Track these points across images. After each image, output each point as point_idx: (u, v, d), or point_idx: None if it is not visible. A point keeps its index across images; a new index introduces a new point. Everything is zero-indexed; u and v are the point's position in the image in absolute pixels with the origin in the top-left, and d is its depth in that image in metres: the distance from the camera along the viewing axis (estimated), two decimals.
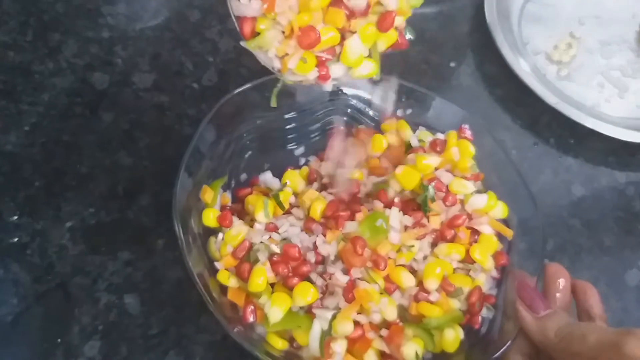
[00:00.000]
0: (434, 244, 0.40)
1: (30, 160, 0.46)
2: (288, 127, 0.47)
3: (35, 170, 0.46)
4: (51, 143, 0.47)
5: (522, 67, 0.54)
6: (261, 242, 0.39)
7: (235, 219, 0.40)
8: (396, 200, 0.41)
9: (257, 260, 0.38)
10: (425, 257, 0.39)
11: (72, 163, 0.46)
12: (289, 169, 0.45)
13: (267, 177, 0.45)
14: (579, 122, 0.51)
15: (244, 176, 0.45)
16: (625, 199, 0.51)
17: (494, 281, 0.40)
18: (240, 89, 0.44)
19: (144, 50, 0.53)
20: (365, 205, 0.41)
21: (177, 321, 0.41)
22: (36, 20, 0.54)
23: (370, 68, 0.38)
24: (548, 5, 0.61)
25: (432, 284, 0.38)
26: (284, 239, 0.39)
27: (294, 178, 0.44)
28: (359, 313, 0.37)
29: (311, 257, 0.38)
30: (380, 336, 0.37)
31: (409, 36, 0.38)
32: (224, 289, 0.38)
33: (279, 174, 0.45)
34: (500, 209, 0.42)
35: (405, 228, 0.40)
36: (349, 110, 0.48)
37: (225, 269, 0.38)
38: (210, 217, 0.40)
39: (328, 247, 0.38)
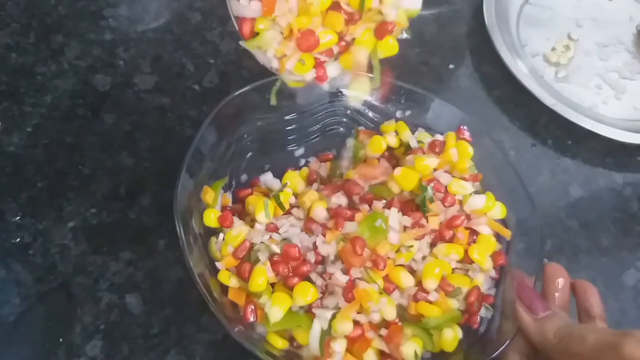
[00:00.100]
0: (432, 244, 0.40)
1: (33, 161, 0.47)
2: (288, 128, 0.47)
3: (38, 171, 0.46)
4: (53, 144, 0.48)
5: (520, 69, 0.54)
6: (262, 242, 0.39)
7: (235, 220, 0.41)
8: (395, 200, 0.41)
9: (257, 260, 0.38)
10: (424, 257, 0.40)
11: (74, 164, 0.47)
12: (289, 170, 0.45)
13: (267, 178, 0.45)
14: (577, 123, 0.51)
15: (244, 177, 0.46)
16: (622, 199, 0.51)
17: (492, 281, 0.41)
18: (241, 90, 0.44)
19: (146, 52, 0.54)
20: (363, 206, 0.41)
21: (178, 321, 0.41)
22: (39, 23, 0.54)
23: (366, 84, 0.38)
24: (546, 8, 0.62)
25: (431, 283, 0.38)
26: (284, 239, 0.40)
27: (294, 179, 0.44)
28: (358, 313, 0.37)
29: (311, 257, 0.38)
30: (380, 336, 0.37)
31: (405, 36, 0.39)
32: (224, 289, 0.38)
33: (279, 175, 0.45)
34: (498, 210, 0.42)
35: (405, 228, 0.40)
36: (348, 111, 0.48)
37: (226, 269, 0.39)
38: (211, 218, 0.40)
39: (328, 247, 0.39)
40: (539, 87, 0.52)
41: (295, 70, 0.36)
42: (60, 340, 0.40)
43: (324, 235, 0.39)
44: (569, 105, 0.52)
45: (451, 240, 0.40)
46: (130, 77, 0.52)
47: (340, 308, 0.37)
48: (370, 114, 0.48)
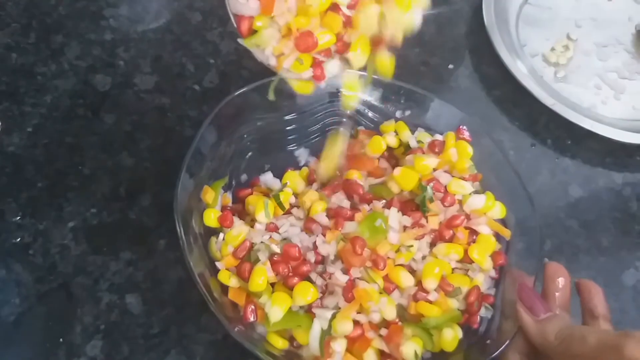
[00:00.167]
0: (432, 244, 0.40)
1: (33, 161, 0.47)
2: (288, 128, 0.47)
3: (38, 171, 0.46)
4: (54, 144, 0.48)
5: (520, 69, 0.54)
6: (262, 242, 0.39)
7: (236, 219, 0.41)
8: (395, 200, 0.41)
9: (257, 260, 0.38)
10: (424, 257, 0.40)
11: (74, 164, 0.47)
12: (289, 170, 0.45)
13: (267, 178, 0.45)
14: (576, 123, 0.51)
15: (244, 177, 0.46)
16: (622, 199, 0.51)
17: (492, 281, 0.41)
18: (241, 90, 0.44)
19: (146, 52, 0.54)
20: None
21: (178, 321, 0.41)
22: (39, 23, 0.54)
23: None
24: (545, 8, 0.62)
25: (430, 283, 0.38)
26: (284, 239, 0.40)
27: (294, 179, 0.44)
28: (358, 312, 0.37)
29: (311, 257, 0.38)
30: (380, 335, 0.37)
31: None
32: (224, 289, 0.38)
33: (279, 175, 0.45)
34: (498, 210, 0.42)
35: (404, 228, 0.40)
36: (348, 111, 0.48)
37: (226, 269, 0.39)
38: (211, 218, 0.40)
39: (328, 247, 0.39)
40: (539, 87, 0.52)
41: (292, 69, 0.36)
42: (61, 340, 0.40)
43: (324, 235, 0.39)
44: (569, 105, 0.52)
45: (451, 240, 0.40)
46: (131, 77, 0.52)
47: (340, 308, 0.37)
48: (370, 113, 0.48)
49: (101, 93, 0.51)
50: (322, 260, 0.39)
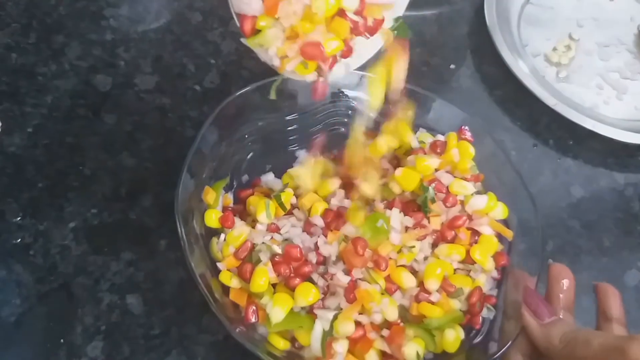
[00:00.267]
0: (434, 245, 0.40)
1: (34, 162, 0.47)
2: (289, 128, 0.47)
3: (39, 171, 0.46)
4: (54, 144, 0.48)
5: (522, 69, 0.54)
6: (263, 242, 0.39)
7: (237, 220, 0.41)
8: (397, 201, 0.41)
9: (259, 261, 0.38)
10: (425, 258, 0.40)
11: (75, 164, 0.47)
12: (289, 170, 0.45)
13: (268, 178, 0.45)
14: (578, 123, 0.51)
15: (245, 177, 0.46)
16: (624, 200, 0.51)
17: (494, 282, 0.41)
18: (242, 90, 0.44)
19: (146, 52, 0.54)
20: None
21: (179, 321, 0.41)
22: (39, 23, 0.54)
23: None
24: (547, 8, 0.62)
25: (432, 284, 0.38)
26: (286, 239, 0.40)
27: (294, 179, 0.44)
28: (360, 313, 0.37)
29: (312, 257, 0.38)
30: (382, 336, 0.37)
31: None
32: (226, 290, 0.38)
33: (280, 175, 0.45)
34: (500, 210, 0.42)
35: (406, 229, 0.40)
36: (350, 111, 0.48)
37: (228, 270, 0.39)
38: (212, 218, 0.40)
39: (329, 247, 0.39)
40: (540, 87, 0.52)
41: (296, 71, 0.36)
42: (61, 340, 0.40)
43: (326, 236, 0.39)
44: (570, 105, 0.52)
45: (453, 240, 0.40)
46: (131, 77, 0.52)
47: (341, 309, 0.37)
48: (372, 114, 0.48)
49: (102, 93, 0.51)
50: (324, 261, 0.39)
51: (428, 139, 0.45)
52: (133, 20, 0.55)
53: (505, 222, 0.42)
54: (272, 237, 0.39)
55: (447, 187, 0.41)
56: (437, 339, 0.37)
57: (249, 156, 0.46)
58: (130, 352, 0.40)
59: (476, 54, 0.58)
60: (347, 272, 0.38)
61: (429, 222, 0.40)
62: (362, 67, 0.41)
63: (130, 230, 0.44)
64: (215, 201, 0.41)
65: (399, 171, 0.41)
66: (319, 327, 0.36)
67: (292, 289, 0.37)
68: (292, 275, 0.37)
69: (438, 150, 0.43)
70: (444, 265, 0.39)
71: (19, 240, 0.43)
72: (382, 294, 0.37)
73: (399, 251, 0.39)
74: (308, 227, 0.40)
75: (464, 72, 0.56)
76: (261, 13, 0.35)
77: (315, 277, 0.38)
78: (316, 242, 0.39)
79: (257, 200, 0.42)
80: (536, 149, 0.53)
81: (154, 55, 0.53)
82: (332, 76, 0.37)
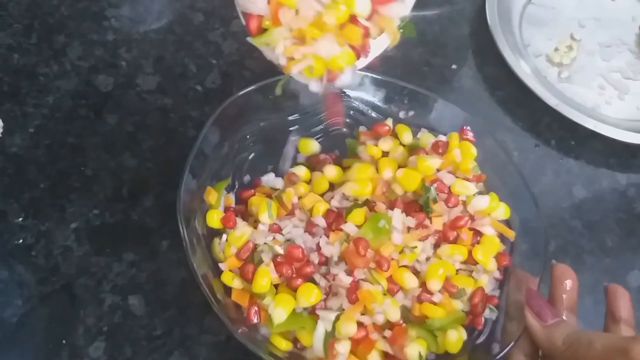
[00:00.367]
0: (436, 245, 0.40)
1: (35, 162, 0.47)
2: (291, 128, 0.47)
3: (40, 172, 0.46)
4: (56, 145, 0.48)
5: (523, 69, 0.54)
6: (265, 243, 0.39)
7: (239, 220, 0.40)
8: (398, 201, 0.41)
9: (261, 262, 0.38)
10: (428, 258, 0.39)
11: (76, 165, 0.47)
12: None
13: (270, 179, 0.45)
14: (580, 123, 0.51)
15: (247, 178, 0.45)
16: (626, 200, 0.51)
17: (496, 282, 0.41)
18: (244, 91, 0.44)
19: (148, 52, 0.54)
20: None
21: (181, 322, 0.41)
22: (41, 23, 0.54)
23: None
24: (548, 8, 0.62)
25: (435, 285, 0.38)
26: (288, 240, 0.40)
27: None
28: (362, 314, 0.37)
29: (315, 258, 0.38)
30: (384, 337, 0.37)
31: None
32: (228, 290, 0.38)
33: (282, 176, 0.45)
34: (502, 210, 0.42)
35: (408, 229, 0.40)
36: (351, 112, 0.48)
37: (230, 270, 0.39)
38: (214, 219, 0.40)
39: (331, 248, 0.39)
40: (542, 88, 0.52)
41: (303, 72, 0.36)
42: (63, 341, 0.40)
43: (328, 236, 0.39)
44: (572, 105, 0.52)
45: (455, 241, 0.40)
46: (133, 77, 0.52)
47: (344, 309, 0.36)
48: (374, 114, 0.48)
49: (103, 94, 0.51)
50: (326, 262, 0.39)
51: (430, 139, 0.45)
52: (134, 20, 0.55)
53: (507, 223, 0.42)
54: (274, 238, 0.39)
55: (449, 188, 0.41)
56: (439, 340, 0.37)
57: (250, 156, 0.46)
58: (133, 353, 0.40)
59: (478, 54, 0.57)
60: (349, 273, 0.37)
61: (431, 223, 0.40)
62: (365, 68, 0.41)
63: (132, 230, 0.44)
64: (217, 201, 0.41)
65: (400, 172, 0.41)
66: (321, 328, 0.36)
67: (294, 290, 0.37)
68: (294, 275, 0.37)
69: (440, 151, 0.43)
70: (446, 266, 0.39)
71: (21, 241, 0.43)
72: (384, 294, 0.37)
73: (401, 252, 0.39)
74: (310, 227, 0.40)
75: (466, 72, 0.56)
76: (267, 12, 0.35)
77: (317, 277, 0.38)
78: (318, 243, 0.39)
79: (258, 200, 0.42)
80: (538, 149, 0.53)
81: (156, 56, 0.53)
82: (340, 82, 0.37)
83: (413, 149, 0.45)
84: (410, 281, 0.38)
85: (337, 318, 0.36)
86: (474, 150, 0.43)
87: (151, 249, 0.43)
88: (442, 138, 0.45)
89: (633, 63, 0.59)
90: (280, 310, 0.36)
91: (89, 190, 0.46)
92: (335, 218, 0.40)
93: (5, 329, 0.40)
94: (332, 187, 0.44)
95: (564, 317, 0.34)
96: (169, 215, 0.40)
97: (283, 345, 0.37)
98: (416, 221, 0.40)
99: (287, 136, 0.47)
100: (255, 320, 0.37)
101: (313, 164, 0.45)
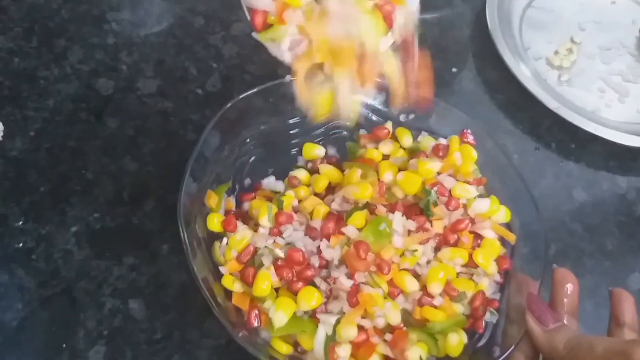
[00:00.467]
0: (437, 249, 0.40)
1: (36, 166, 0.47)
2: (292, 132, 0.47)
3: (41, 175, 0.46)
4: (56, 148, 0.48)
5: (523, 72, 0.54)
6: (265, 246, 0.39)
7: (239, 224, 0.40)
8: (399, 204, 0.41)
9: (261, 265, 0.38)
10: (428, 262, 0.39)
11: (77, 168, 0.47)
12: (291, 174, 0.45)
13: (270, 182, 0.45)
14: (580, 126, 0.51)
15: (247, 181, 0.46)
16: (626, 203, 0.51)
17: (497, 285, 0.41)
18: (244, 94, 0.44)
19: (149, 56, 0.54)
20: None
21: (182, 326, 0.41)
22: (41, 27, 0.54)
23: None
24: (549, 11, 0.62)
25: (435, 288, 0.38)
26: (288, 243, 0.39)
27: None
28: (363, 317, 0.37)
29: (315, 261, 0.38)
30: (385, 340, 0.37)
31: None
32: (228, 294, 0.38)
33: (282, 179, 0.45)
34: (502, 214, 0.42)
35: (409, 232, 0.40)
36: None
37: (230, 274, 0.39)
38: (214, 222, 0.40)
39: (332, 251, 0.39)
40: (542, 91, 0.52)
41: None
42: (64, 345, 0.39)
43: (328, 240, 0.39)
44: (572, 108, 0.52)
45: (455, 244, 0.40)
46: (133, 81, 0.52)
47: (344, 313, 0.36)
48: (374, 117, 0.48)
49: (104, 97, 0.51)
50: (326, 265, 0.39)
51: (430, 142, 0.45)
52: (135, 24, 0.56)
53: (508, 226, 0.42)
54: (274, 241, 0.39)
55: (450, 191, 0.41)
56: (440, 343, 0.37)
57: (251, 160, 0.46)
58: (133, 357, 0.40)
59: (478, 57, 0.58)
60: (350, 276, 0.37)
61: (431, 226, 0.40)
62: None
63: (132, 234, 0.44)
64: (218, 205, 0.41)
65: (400, 175, 0.41)
66: (322, 332, 0.36)
67: (294, 293, 0.37)
68: (294, 279, 0.37)
69: (440, 154, 0.43)
70: (447, 269, 0.39)
71: (21, 244, 0.43)
72: (385, 297, 0.37)
73: (402, 255, 0.39)
74: (310, 230, 0.40)
75: (466, 75, 0.56)
76: (272, 8, 0.35)
77: (317, 281, 0.38)
78: (318, 246, 0.39)
79: (259, 203, 0.42)
80: (538, 153, 0.53)
81: (156, 59, 0.53)
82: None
83: (413, 152, 0.45)
84: (411, 284, 0.38)
85: (338, 321, 0.36)
86: (474, 154, 0.43)
87: (151, 253, 0.43)
88: (443, 141, 0.45)
89: (633, 66, 0.59)
90: (280, 314, 0.36)
91: (90, 194, 0.46)
92: (336, 222, 0.40)
93: (6, 333, 0.40)
94: (333, 190, 0.44)
95: (565, 321, 0.34)
96: (169, 218, 0.40)
97: (284, 348, 0.37)
98: (417, 224, 0.40)
99: (288, 139, 0.47)
100: (255, 324, 0.37)
101: (315, 168, 0.45)
